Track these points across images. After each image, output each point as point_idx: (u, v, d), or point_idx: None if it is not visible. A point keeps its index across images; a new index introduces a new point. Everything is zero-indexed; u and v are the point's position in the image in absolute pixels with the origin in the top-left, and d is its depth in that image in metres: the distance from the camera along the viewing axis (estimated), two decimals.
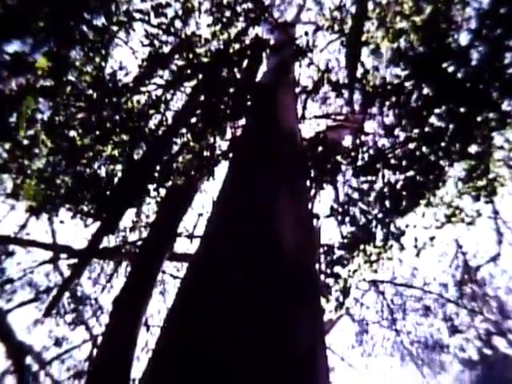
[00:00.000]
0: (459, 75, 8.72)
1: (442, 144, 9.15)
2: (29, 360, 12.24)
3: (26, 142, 10.00)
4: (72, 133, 9.90)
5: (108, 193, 9.54)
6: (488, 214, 13.81)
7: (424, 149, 9.20)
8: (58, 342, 14.12)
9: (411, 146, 9.36)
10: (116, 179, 9.75)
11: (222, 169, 10.37)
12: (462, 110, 8.86)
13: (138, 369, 7.25)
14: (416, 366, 15.65)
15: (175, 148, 9.87)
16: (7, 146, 10.09)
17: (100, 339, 10.55)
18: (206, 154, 9.57)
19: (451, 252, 14.87)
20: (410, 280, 15.20)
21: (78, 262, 10.16)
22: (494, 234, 14.59)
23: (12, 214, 13.70)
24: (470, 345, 16.42)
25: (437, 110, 9.17)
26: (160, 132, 9.70)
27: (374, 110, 10.66)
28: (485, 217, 13.40)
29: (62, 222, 10.96)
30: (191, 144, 9.68)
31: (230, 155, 9.22)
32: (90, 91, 10.01)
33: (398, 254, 9.10)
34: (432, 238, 9.19)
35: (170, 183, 9.73)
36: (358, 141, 9.85)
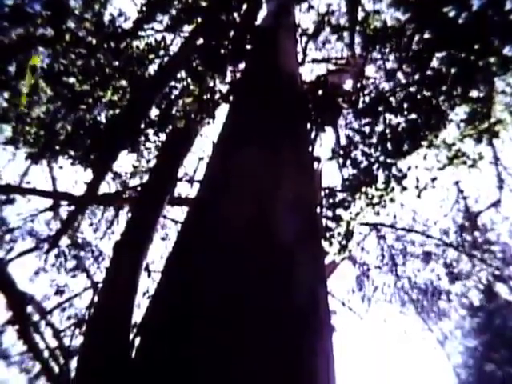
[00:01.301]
0: (460, 20, 8.61)
1: (444, 88, 9.10)
2: (29, 310, 12.35)
3: (25, 90, 9.95)
4: (71, 79, 9.85)
5: (104, 134, 9.49)
6: (489, 160, 13.80)
7: (425, 92, 9.15)
8: (58, 291, 14.20)
9: (412, 89, 9.31)
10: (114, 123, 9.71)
11: (222, 112, 10.31)
12: (462, 55, 8.79)
13: (138, 315, 7.23)
14: (417, 312, 15.80)
15: (175, 92, 9.82)
16: (6, 95, 10.05)
17: (100, 285, 10.60)
18: (205, 97, 9.51)
19: (452, 197, 14.91)
20: (411, 225, 15.25)
21: (77, 206, 10.16)
22: (494, 180, 14.61)
23: (12, 164, 13.65)
24: (471, 291, 16.55)
25: (438, 54, 9.09)
26: (159, 75, 9.61)
27: (375, 54, 10.58)
28: (486, 162, 13.39)
29: (61, 167, 10.97)
30: (191, 87, 9.63)
31: (230, 98, 9.16)
32: (90, 38, 9.92)
33: (400, 197, 9.12)
34: (434, 180, 9.19)
35: (169, 127, 9.70)
36: (358, 84, 9.80)
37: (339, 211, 9.14)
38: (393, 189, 8.90)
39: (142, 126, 9.70)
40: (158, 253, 15.13)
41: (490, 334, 26.76)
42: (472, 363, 26.61)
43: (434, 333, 16.48)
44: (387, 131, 8.90)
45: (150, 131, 9.83)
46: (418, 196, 9.12)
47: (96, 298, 12.05)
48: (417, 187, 9.13)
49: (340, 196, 9.21)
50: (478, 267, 16.16)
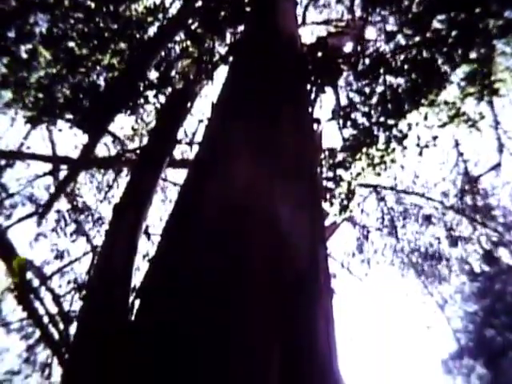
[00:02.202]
0: None
1: (444, 49, 9.06)
2: (29, 275, 12.37)
3: (25, 55, 9.92)
4: (71, 44, 9.81)
5: (103, 96, 9.47)
6: (489, 123, 13.78)
7: (425, 54, 9.12)
8: (58, 256, 14.19)
9: (412, 51, 9.27)
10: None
11: (221, 74, 10.28)
12: (463, 17, 8.74)
13: (138, 278, 7.20)
14: (417, 276, 15.88)
15: (174, 54, 9.78)
16: (6, 60, 10.01)
17: (100, 249, 10.59)
18: (205, 59, 9.48)
19: (452, 160, 14.89)
20: (411, 188, 15.26)
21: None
22: (494, 144, 14.60)
23: (11, 130, 13.57)
24: (471, 256, 16.59)
25: (438, 17, 9.04)
26: (157, 37, 9.57)
27: (375, 16, 10.51)
28: (486, 126, 13.36)
29: (60, 130, 10.97)
30: (190, 49, 9.59)
31: (230, 60, 9.13)
32: (89, 2, 9.86)
33: (401, 159, 9.14)
34: (434, 138, 9.20)
35: (169, 89, 9.68)
36: (358, 47, 9.76)
37: (340, 172, 9.15)
38: (393, 149, 8.91)
39: (142, 88, 9.67)
40: (158, 215, 15.11)
41: (490, 299, 26.85)
42: (472, 328, 26.73)
43: (434, 297, 16.56)
44: (387, 92, 8.88)
45: (150, 93, 9.81)
46: (420, 154, 9.12)
47: (95, 261, 12.04)
48: (418, 145, 9.13)
49: (340, 157, 9.21)
50: (479, 231, 16.19)
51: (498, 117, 13.88)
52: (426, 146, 9.13)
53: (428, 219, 15.49)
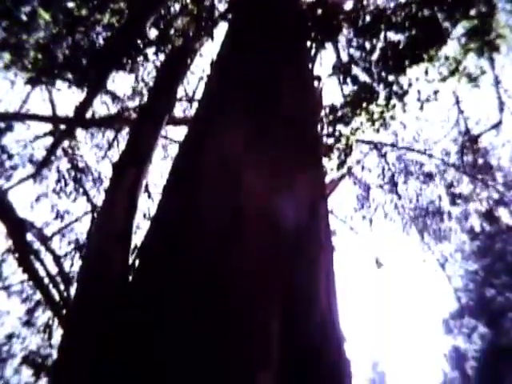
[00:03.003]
0: None
1: (445, 7, 9.02)
2: (30, 237, 12.37)
3: (24, 18, 9.87)
4: (70, 4, 9.76)
5: (101, 53, 9.43)
6: (490, 82, 13.75)
7: (426, 11, 9.07)
8: (59, 216, 14.16)
9: (413, 8, 9.22)
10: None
11: (220, 31, 10.21)
12: None
13: (138, 237, 7.18)
14: (417, 233, 15.92)
15: (173, 11, 9.72)
16: (5, 23, 9.96)
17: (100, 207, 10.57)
18: (204, 15, 9.43)
19: (453, 118, 14.84)
20: (412, 145, 15.22)
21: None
22: (495, 103, 14.56)
23: (11, 92, 13.49)
24: (471, 214, 16.63)
25: None
26: None
27: None
28: (487, 84, 13.33)
29: (59, 89, 10.94)
30: (190, 6, 9.54)
31: (229, 17, 9.07)
32: None
33: (401, 115, 9.14)
34: (435, 92, 9.19)
35: (168, 47, 9.63)
36: (359, 4, 9.69)
37: (339, 127, 9.14)
38: (394, 106, 8.91)
39: (141, 46, 9.64)
40: (159, 173, 15.03)
41: (490, 259, 26.98)
42: (472, 287, 26.89)
43: (435, 255, 16.63)
44: (388, 48, 8.85)
45: (149, 51, 9.78)
46: (421, 108, 9.12)
47: (95, 221, 12.00)
48: (418, 100, 9.13)
49: (340, 112, 9.19)
50: (479, 190, 16.21)
51: (498, 76, 13.84)
52: (427, 100, 9.12)
53: (429, 176, 15.49)
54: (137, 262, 3.43)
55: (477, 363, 27.02)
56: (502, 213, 17.49)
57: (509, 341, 25.61)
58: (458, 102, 14.28)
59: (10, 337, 14.84)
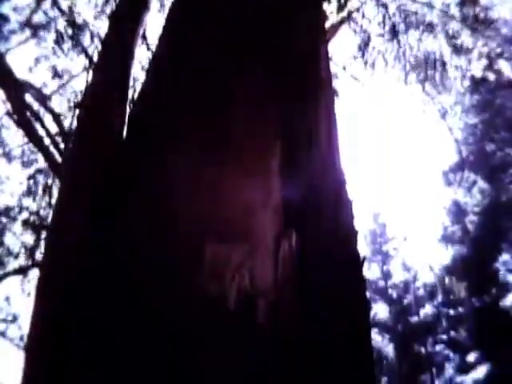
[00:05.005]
0: None
1: None
2: (28, 98, 12.22)
3: None
4: None
5: None
6: None
7: None
8: (57, 75, 13.95)
9: None
10: None
11: None
12: None
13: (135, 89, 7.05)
14: (418, 83, 15.68)
15: None
16: None
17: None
18: None
19: None
20: None
21: None
22: None
23: None
24: (472, 66, 16.40)
25: None
26: None
27: None
28: None
29: None
30: None
31: None
32: None
33: None
34: None
35: None
36: None
37: None
38: None
39: None
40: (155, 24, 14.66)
41: (490, 114, 26.91)
42: (472, 141, 26.98)
43: (435, 106, 16.47)
44: None
45: None
46: None
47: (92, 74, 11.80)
48: None
49: None
50: (481, 42, 15.91)
51: None
52: None
53: (430, 26, 15.13)
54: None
55: (476, 218, 27.55)
56: (503, 66, 17.31)
57: (509, 197, 26.00)
58: None
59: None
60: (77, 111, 12.56)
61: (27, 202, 14.34)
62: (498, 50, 16.69)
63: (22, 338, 16.66)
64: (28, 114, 11.62)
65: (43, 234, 12.69)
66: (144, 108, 3.12)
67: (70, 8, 13.21)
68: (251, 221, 2.29)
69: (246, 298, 2.02)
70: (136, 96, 3.73)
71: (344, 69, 13.61)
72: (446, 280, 29.33)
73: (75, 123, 12.74)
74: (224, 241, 2.16)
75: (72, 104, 13.31)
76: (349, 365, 2.26)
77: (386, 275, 32.42)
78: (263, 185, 2.44)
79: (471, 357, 25.96)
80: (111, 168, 2.94)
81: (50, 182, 13.45)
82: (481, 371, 24.75)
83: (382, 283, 32.20)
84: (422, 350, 29.38)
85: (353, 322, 2.40)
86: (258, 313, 2.02)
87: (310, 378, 2.04)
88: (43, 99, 12.50)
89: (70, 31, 13.25)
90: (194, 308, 2.00)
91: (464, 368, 26.21)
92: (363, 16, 13.43)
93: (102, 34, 13.70)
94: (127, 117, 3.81)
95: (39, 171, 14.14)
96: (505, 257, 25.51)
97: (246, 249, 2.16)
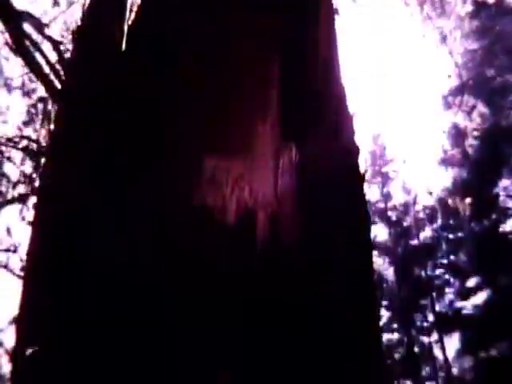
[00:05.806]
0: None
1: None
2: (27, 28, 11.98)
3: None
4: None
5: None
6: None
7: None
8: (56, 3, 13.67)
9: None
10: None
11: None
12: None
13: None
14: (417, 5, 15.36)
15: None
16: None
17: None
18: None
19: None
20: None
21: None
22: None
23: None
24: None
25: None
26: None
27: None
28: None
29: None
30: None
31: None
32: None
33: None
34: None
35: None
36: None
37: None
38: None
39: None
40: None
41: (489, 39, 26.48)
42: (472, 65, 26.62)
43: (435, 30, 16.18)
44: None
45: None
46: None
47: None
48: None
49: None
50: None
51: None
52: None
53: None
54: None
55: (476, 142, 27.42)
56: None
57: (508, 122, 25.82)
58: None
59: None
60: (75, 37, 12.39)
61: (27, 131, 14.32)
62: None
63: (23, 269, 16.77)
64: (27, 43, 11.40)
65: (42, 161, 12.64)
66: (143, 22, 3.05)
67: None
68: (250, 134, 2.26)
69: (245, 210, 2.00)
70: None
71: None
72: (447, 201, 29.30)
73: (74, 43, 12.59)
74: (223, 154, 2.13)
75: (71, 30, 13.09)
76: (349, 280, 2.26)
77: (386, 197, 32.40)
78: (262, 98, 2.40)
79: (471, 282, 26.20)
80: (111, 83, 2.90)
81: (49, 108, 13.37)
82: (481, 297, 25.01)
83: (381, 205, 32.20)
84: (423, 273, 29.61)
85: (353, 234, 2.39)
86: (258, 225, 2.01)
87: (310, 295, 2.04)
88: (41, 27, 12.26)
89: None
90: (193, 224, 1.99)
91: (464, 293, 26.50)
92: None
93: None
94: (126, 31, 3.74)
95: (40, 99, 14.07)
96: (505, 182, 25.50)
97: (245, 162, 2.13)
